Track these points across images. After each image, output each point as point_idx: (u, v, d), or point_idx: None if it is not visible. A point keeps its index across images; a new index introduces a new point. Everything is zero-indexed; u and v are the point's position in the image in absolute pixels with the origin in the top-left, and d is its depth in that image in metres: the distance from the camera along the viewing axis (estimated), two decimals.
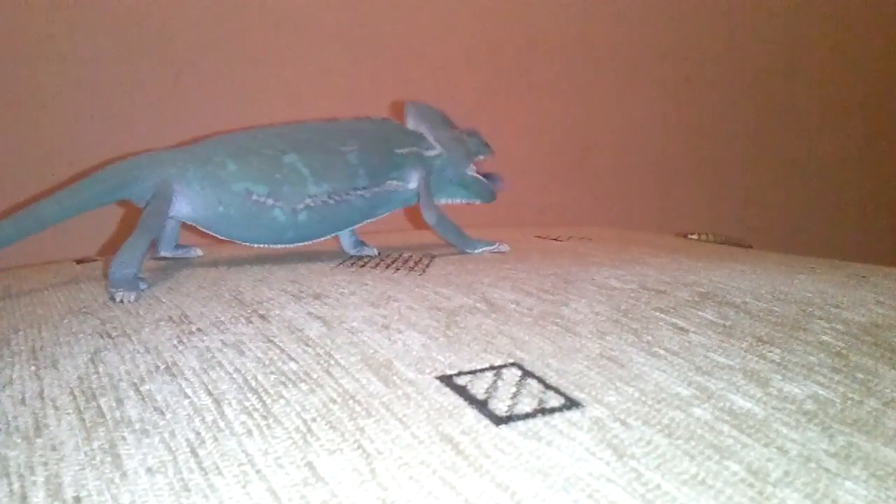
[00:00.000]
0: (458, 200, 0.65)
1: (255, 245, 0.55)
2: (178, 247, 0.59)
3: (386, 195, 0.58)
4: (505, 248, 0.61)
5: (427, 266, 0.54)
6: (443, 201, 0.63)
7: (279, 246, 0.55)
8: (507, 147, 1.10)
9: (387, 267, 0.54)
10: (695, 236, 0.80)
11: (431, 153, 0.61)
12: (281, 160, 0.54)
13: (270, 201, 0.53)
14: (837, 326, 0.39)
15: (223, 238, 0.54)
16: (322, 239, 0.56)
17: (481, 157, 0.65)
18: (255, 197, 0.53)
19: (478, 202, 0.66)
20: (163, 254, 0.58)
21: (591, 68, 1.17)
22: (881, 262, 0.60)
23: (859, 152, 1.44)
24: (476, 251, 0.60)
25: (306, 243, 0.56)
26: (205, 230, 0.54)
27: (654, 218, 1.23)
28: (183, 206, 0.52)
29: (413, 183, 0.60)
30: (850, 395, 0.30)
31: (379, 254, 0.59)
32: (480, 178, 0.65)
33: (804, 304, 0.42)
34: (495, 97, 1.10)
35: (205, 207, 0.52)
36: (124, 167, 0.52)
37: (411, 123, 0.63)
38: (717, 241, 0.77)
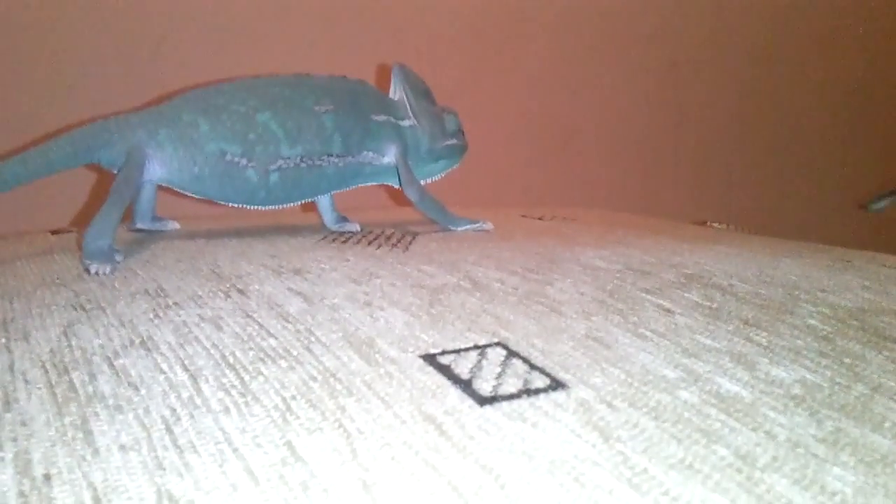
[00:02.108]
0: (436, 177, 0.64)
1: (229, 204, 0.54)
2: (154, 219, 0.58)
3: (359, 167, 0.57)
4: (489, 226, 0.60)
5: (410, 243, 0.53)
6: (421, 181, 0.62)
7: (253, 207, 0.55)
8: (491, 128, 1.10)
9: (369, 243, 0.53)
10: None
11: (406, 123, 0.60)
12: (254, 119, 0.53)
13: (244, 161, 0.52)
14: (824, 310, 0.38)
15: (197, 197, 0.54)
16: (293, 204, 0.56)
17: (454, 142, 0.63)
18: (228, 157, 0.52)
19: (455, 166, 0.64)
20: (139, 226, 0.57)
21: (577, 51, 1.16)
22: (864, 246, 0.60)
23: (843, 136, 1.44)
24: (460, 229, 0.60)
25: (279, 207, 0.55)
26: (179, 191, 0.53)
27: (639, 200, 1.23)
28: (157, 169, 0.51)
29: (388, 157, 0.58)
30: (838, 380, 0.30)
31: (361, 230, 0.58)
32: (453, 142, 0.63)
33: (790, 288, 0.42)
34: (480, 78, 1.08)
35: (179, 169, 0.52)
36: (92, 130, 0.51)
37: (394, 89, 0.61)
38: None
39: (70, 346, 0.33)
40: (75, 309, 0.37)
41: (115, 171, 0.51)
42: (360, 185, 0.58)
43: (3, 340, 0.34)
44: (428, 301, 0.38)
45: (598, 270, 0.45)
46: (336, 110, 0.55)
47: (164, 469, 0.23)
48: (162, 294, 0.39)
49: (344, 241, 0.53)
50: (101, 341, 0.33)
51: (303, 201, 0.56)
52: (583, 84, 1.18)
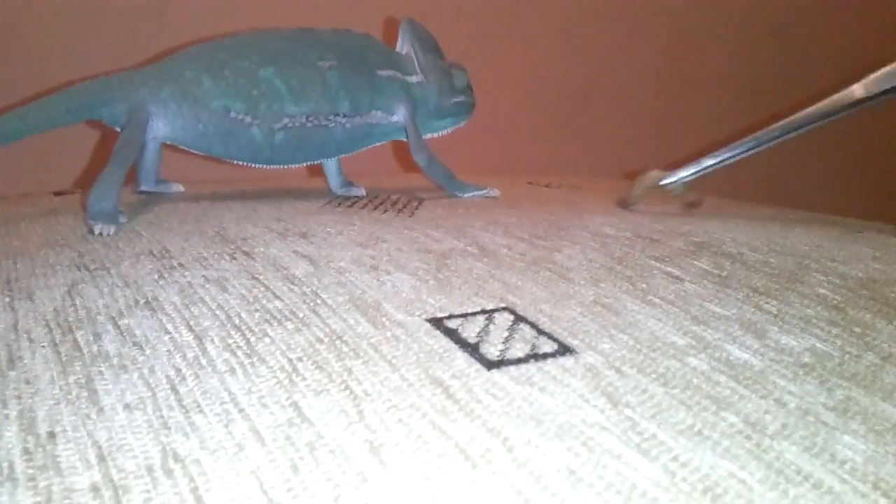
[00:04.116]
0: (442, 132, 0.62)
1: (235, 162, 0.54)
2: (158, 182, 0.57)
3: (368, 128, 0.56)
4: (495, 192, 0.60)
5: (416, 208, 0.52)
6: (426, 136, 0.60)
7: (258, 166, 0.54)
8: (499, 95, 1.09)
9: (375, 208, 0.52)
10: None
11: (413, 79, 0.58)
12: (257, 74, 0.52)
13: (248, 119, 0.51)
14: (834, 280, 0.38)
15: (203, 154, 0.53)
16: (300, 165, 0.55)
17: (462, 99, 0.61)
18: (232, 114, 0.51)
19: (461, 124, 0.63)
20: (143, 188, 0.57)
21: (586, 18, 1.14)
22: (874, 219, 0.60)
23: (861, 111, 1.43)
24: (466, 195, 0.59)
25: (285, 167, 0.55)
26: (184, 148, 0.53)
27: (647, 168, 1.22)
28: (161, 127, 0.51)
29: (397, 115, 0.57)
30: (848, 350, 0.30)
31: (367, 195, 0.57)
32: (461, 98, 0.61)
33: (800, 257, 0.42)
34: (487, 44, 1.07)
35: (184, 127, 0.51)
36: (94, 86, 0.50)
37: (402, 44, 0.59)
38: None
39: (74, 305, 0.32)
40: (79, 269, 0.37)
41: (118, 129, 0.51)
42: (370, 146, 0.58)
43: (7, 299, 0.33)
44: (435, 266, 0.38)
45: (607, 238, 0.44)
46: (340, 66, 0.54)
47: (170, 428, 0.23)
48: (167, 255, 0.39)
49: (350, 206, 0.53)
50: (105, 301, 0.33)
51: (310, 163, 0.56)
52: (592, 52, 1.16)
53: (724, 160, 0.54)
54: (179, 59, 0.52)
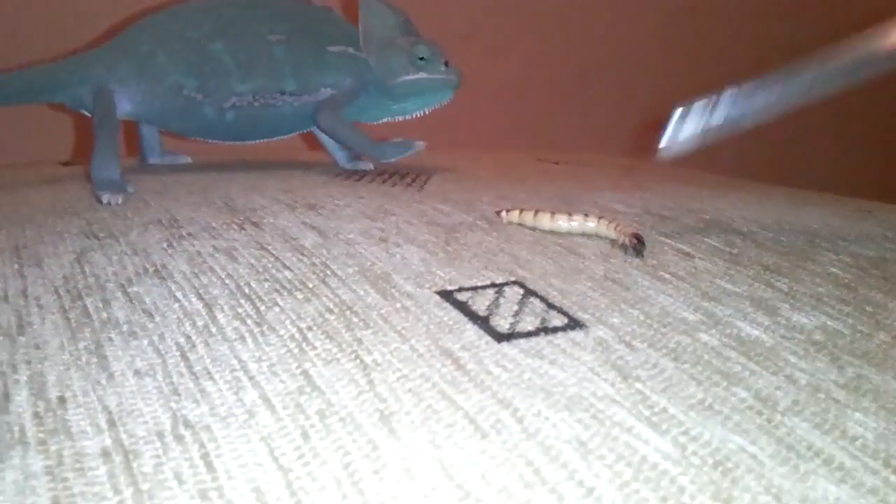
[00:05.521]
0: (409, 115, 0.57)
1: (197, 139, 0.54)
2: (164, 153, 0.57)
3: (318, 105, 0.54)
4: (420, 144, 0.56)
5: (425, 183, 0.52)
6: (384, 119, 0.57)
7: (214, 142, 0.54)
8: (505, 71, 1.08)
9: (383, 182, 0.52)
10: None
11: (362, 55, 0.54)
12: (207, 49, 0.51)
13: (200, 96, 0.51)
14: (845, 259, 0.38)
15: (165, 130, 0.54)
16: (258, 141, 0.55)
17: (421, 76, 0.55)
18: (185, 91, 0.51)
19: (437, 103, 0.56)
20: (151, 161, 0.57)
21: None
22: (883, 200, 0.59)
23: (870, 87, 1.42)
24: (390, 158, 0.56)
25: (243, 143, 0.55)
26: (148, 124, 0.54)
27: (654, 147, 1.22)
28: (125, 105, 0.51)
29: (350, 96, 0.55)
30: (860, 328, 0.29)
31: (374, 169, 0.57)
32: (421, 76, 0.55)
33: (811, 236, 0.41)
34: (495, 19, 1.06)
35: (143, 103, 0.51)
36: (49, 70, 0.50)
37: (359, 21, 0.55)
38: None
39: (83, 272, 0.32)
40: (88, 237, 0.37)
41: (84, 112, 0.51)
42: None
43: (16, 266, 0.33)
44: (444, 239, 0.38)
45: (617, 214, 0.44)
46: (289, 40, 0.53)
47: (180, 395, 0.23)
48: (175, 224, 0.39)
49: (357, 179, 0.53)
50: (114, 269, 0.33)
51: (267, 139, 0.55)
52: (598, 29, 1.15)
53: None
54: (134, 32, 0.52)
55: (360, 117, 0.56)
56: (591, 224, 0.39)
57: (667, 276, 0.34)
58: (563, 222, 0.39)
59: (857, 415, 0.23)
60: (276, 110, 0.53)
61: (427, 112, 0.57)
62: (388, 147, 0.56)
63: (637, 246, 0.36)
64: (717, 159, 0.54)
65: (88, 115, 0.51)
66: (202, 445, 0.20)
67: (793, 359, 0.26)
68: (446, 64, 0.55)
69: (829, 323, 0.30)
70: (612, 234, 0.38)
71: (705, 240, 0.40)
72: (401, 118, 0.57)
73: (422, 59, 0.54)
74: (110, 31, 0.56)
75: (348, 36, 0.54)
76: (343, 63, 0.54)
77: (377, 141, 0.55)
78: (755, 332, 0.28)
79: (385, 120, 0.57)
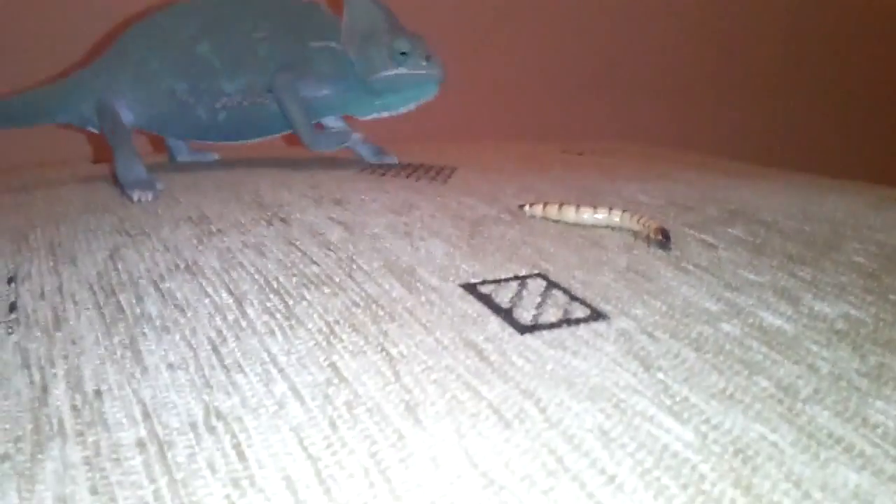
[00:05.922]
0: (392, 111, 0.55)
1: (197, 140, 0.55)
2: (192, 152, 0.58)
3: (305, 102, 0.53)
4: (357, 136, 0.56)
5: (449, 176, 0.53)
6: (371, 115, 0.55)
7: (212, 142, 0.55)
8: (528, 62, 1.08)
9: (407, 176, 0.53)
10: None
11: (342, 50, 0.54)
12: (195, 51, 0.52)
13: (192, 100, 0.52)
14: (870, 248, 0.38)
15: (163, 135, 0.56)
16: (253, 141, 0.55)
17: (402, 70, 0.53)
18: (178, 95, 0.52)
19: (420, 99, 0.54)
20: (180, 160, 0.58)
21: None
22: None
23: (892, 76, 1.40)
24: (322, 149, 0.54)
25: (240, 143, 0.55)
26: (150, 131, 0.55)
27: (677, 136, 1.21)
28: (127, 115, 0.52)
29: (327, 89, 0.54)
30: (883, 317, 0.29)
31: (399, 163, 0.57)
32: (400, 71, 0.53)
33: (835, 225, 0.41)
34: (517, 10, 1.06)
35: (142, 111, 0.52)
36: (49, 92, 0.52)
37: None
38: None
39: (116, 269, 0.33)
40: (120, 234, 0.38)
41: (91, 129, 0.52)
42: (319, 119, 0.56)
43: (51, 263, 0.34)
44: (468, 232, 0.38)
45: (641, 205, 0.44)
46: (272, 37, 0.53)
47: (212, 387, 0.24)
48: (205, 221, 0.40)
49: (382, 174, 0.53)
50: (146, 265, 0.34)
51: (262, 138, 0.55)
52: (621, 18, 1.15)
53: None
54: (125, 41, 0.53)
55: (345, 113, 0.56)
56: (616, 218, 0.39)
57: (690, 266, 0.34)
58: (587, 216, 0.40)
59: (879, 403, 0.23)
60: (266, 109, 0.53)
61: (413, 108, 0.55)
62: (322, 138, 0.55)
63: (663, 242, 0.36)
64: (741, 147, 0.54)
65: (95, 131, 0.52)
66: (234, 436, 0.21)
67: (815, 348, 0.27)
68: (428, 58, 0.53)
69: (851, 312, 0.30)
70: (637, 227, 0.38)
71: (729, 230, 0.40)
72: (387, 114, 0.55)
73: (403, 53, 0.53)
74: (103, 40, 0.57)
75: (332, 31, 0.54)
76: (324, 58, 0.54)
77: (317, 131, 0.54)
78: (777, 322, 0.29)
79: (372, 116, 0.55)
